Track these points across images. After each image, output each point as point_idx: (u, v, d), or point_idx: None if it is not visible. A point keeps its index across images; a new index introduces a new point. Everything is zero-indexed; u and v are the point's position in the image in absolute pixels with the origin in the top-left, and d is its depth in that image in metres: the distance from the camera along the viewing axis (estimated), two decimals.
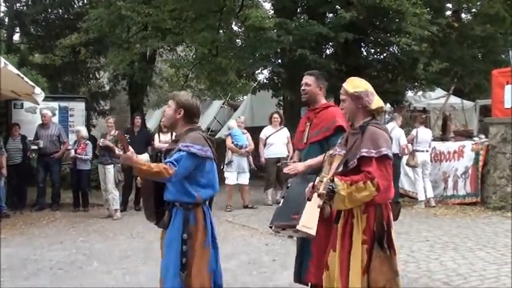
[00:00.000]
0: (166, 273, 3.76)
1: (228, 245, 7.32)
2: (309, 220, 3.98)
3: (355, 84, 3.68)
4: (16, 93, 10.09)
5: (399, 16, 12.77)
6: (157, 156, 4.36)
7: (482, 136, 11.81)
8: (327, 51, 15.01)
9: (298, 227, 3.99)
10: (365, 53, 14.89)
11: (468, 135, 12.83)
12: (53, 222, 9.61)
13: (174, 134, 4.14)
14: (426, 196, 10.59)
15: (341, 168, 3.50)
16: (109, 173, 9.88)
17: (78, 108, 12.81)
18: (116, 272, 6.24)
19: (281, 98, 15.25)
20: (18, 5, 17.65)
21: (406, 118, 15.55)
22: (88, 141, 10.77)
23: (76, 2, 18.08)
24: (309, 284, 4.79)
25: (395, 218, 3.67)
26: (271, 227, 4.41)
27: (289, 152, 10.65)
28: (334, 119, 4.61)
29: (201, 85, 19.36)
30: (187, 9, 13.04)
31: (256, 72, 15.99)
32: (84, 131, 10.93)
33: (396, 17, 12.94)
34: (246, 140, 10.78)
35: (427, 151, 10.88)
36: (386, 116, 13.84)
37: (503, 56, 16.30)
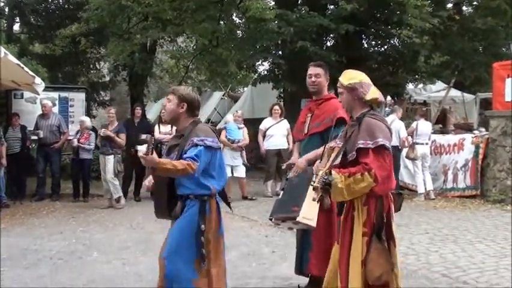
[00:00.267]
0: (175, 257, 3.70)
1: (228, 236, 7.29)
2: (309, 212, 3.99)
3: (350, 76, 3.67)
4: (16, 83, 10.06)
5: (400, 8, 12.74)
6: (156, 147, 4.35)
7: (483, 129, 11.79)
8: (328, 43, 14.98)
9: (298, 219, 4.00)
10: (365, 45, 14.83)
11: (468, 128, 12.84)
12: (53, 213, 9.62)
13: (175, 128, 4.12)
14: (426, 189, 10.59)
15: (338, 161, 3.49)
16: (109, 163, 9.91)
17: (78, 98, 12.81)
18: (115, 262, 6.25)
19: (282, 89, 15.23)
20: None
21: (407, 111, 15.54)
22: (91, 132, 10.83)
23: None
24: (309, 275, 4.81)
25: (397, 210, 3.65)
26: (271, 219, 4.41)
27: (289, 143, 10.66)
28: (336, 111, 4.60)
29: (201, 76, 19.32)
30: None
31: (257, 63, 15.97)
32: (88, 121, 11.04)
33: (398, 9, 12.90)
34: (241, 135, 10.74)
35: (427, 144, 10.88)
36: (387, 109, 13.81)
37: (504, 49, 16.26)
